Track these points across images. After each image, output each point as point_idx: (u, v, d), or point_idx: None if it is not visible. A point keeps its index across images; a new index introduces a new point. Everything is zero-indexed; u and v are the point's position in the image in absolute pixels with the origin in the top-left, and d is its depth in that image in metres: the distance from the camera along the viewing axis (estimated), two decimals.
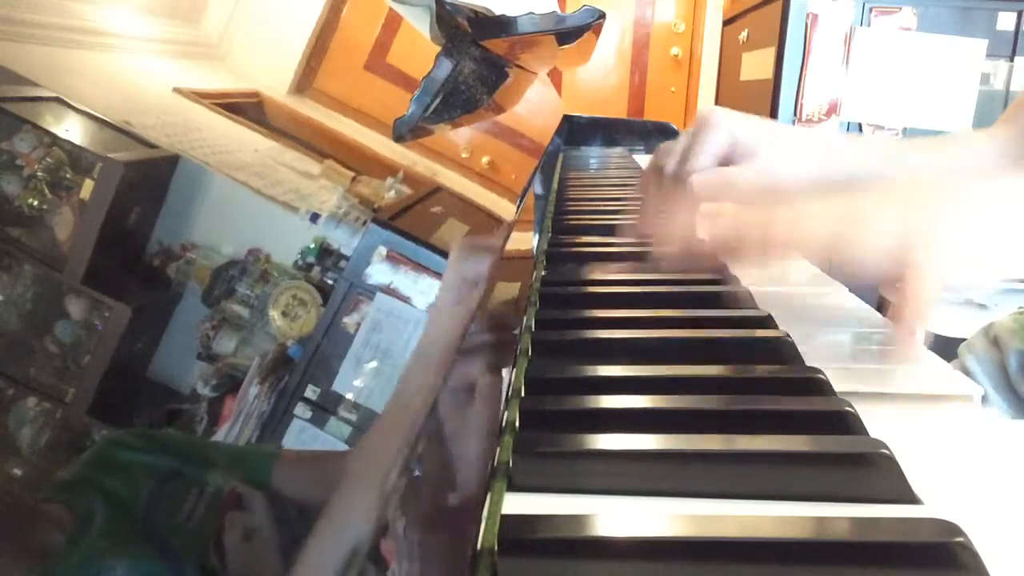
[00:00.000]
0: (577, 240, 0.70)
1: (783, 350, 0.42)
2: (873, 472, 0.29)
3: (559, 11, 0.85)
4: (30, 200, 0.23)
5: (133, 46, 0.32)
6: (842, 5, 2.02)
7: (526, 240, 0.61)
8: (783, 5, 2.06)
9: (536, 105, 1.07)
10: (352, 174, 0.34)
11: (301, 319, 0.25)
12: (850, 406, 0.33)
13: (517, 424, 0.33)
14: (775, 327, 0.45)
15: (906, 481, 0.29)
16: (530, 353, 0.42)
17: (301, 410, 0.23)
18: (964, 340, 0.93)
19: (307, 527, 0.19)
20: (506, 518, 0.27)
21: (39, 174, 0.23)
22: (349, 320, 0.26)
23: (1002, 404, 0.82)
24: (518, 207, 0.54)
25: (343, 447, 0.23)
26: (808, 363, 0.40)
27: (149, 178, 0.25)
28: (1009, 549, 0.26)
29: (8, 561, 0.16)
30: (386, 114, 0.46)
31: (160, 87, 0.30)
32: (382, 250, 0.28)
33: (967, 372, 0.84)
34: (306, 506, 0.20)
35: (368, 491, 0.21)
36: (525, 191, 0.62)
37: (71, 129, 0.25)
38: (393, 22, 0.58)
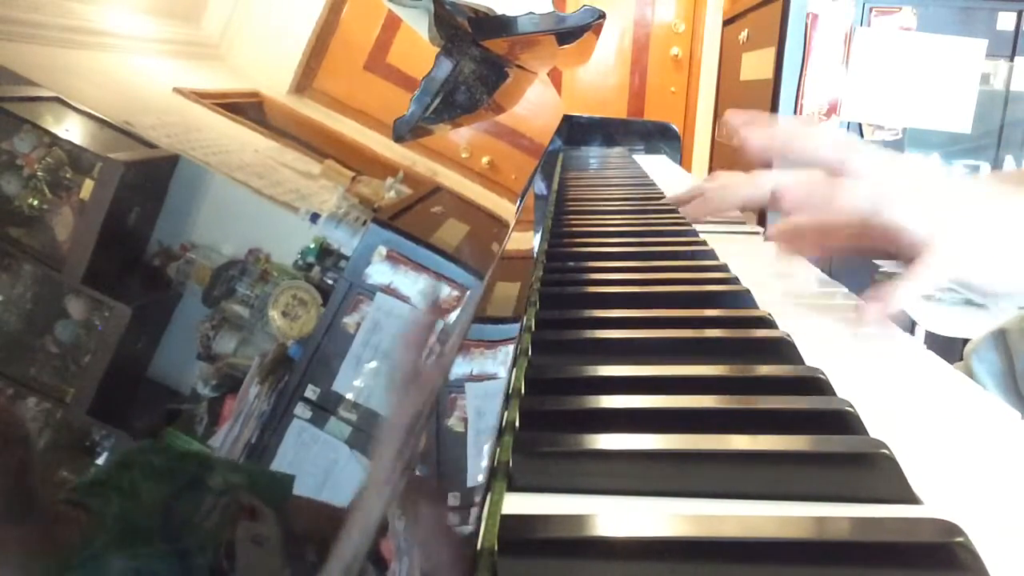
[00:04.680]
0: (577, 240, 0.70)
1: (783, 350, 0.42)
2: (873, 472, 0.29)
3: (559, 11, 0.85)
4: (30, 200, 0.23)
5: (133, 46, 0.32)
6: (842, 5, 2.02)
7: (526, 240, 0.61)
8: (783, 5, 2.06)
9: (536, 105, 1.07)
10: (352, 174, 0.34)
11: (301, 319, 0.25)
12: (850, 406, 0.33)
13: (517, 424, 0.33)
14: (775, 327, 0.45)
15: (906, 481, 0.29)
16: (530, 353, 0.42)
17: (301, 410, 0.23)
18: (963, 340, 0.93)
19: (316, 540, 0.19)
20: (506, 518, 0.27)
21: (39, 174, 0.23)
22: (349, 320, 0.26)
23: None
24: (518, 207, 0.54)
25: (343, 447, 0.23)
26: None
27: (149, 178, 0.25)
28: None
29: (20, 557, 0.16)
30: (386, 114, 0.46)
31: (160, 87, 0.30)
32: (382, 250, 0.28)
33: (972, 375, 0.83)
34: (315, 533, 0.20)
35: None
36: (525, 191, 0.62)
37: (71, 129, 0.25)
38: (393, 22, 0.58)
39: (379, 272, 0.28)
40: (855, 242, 0.54)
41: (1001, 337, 0.85)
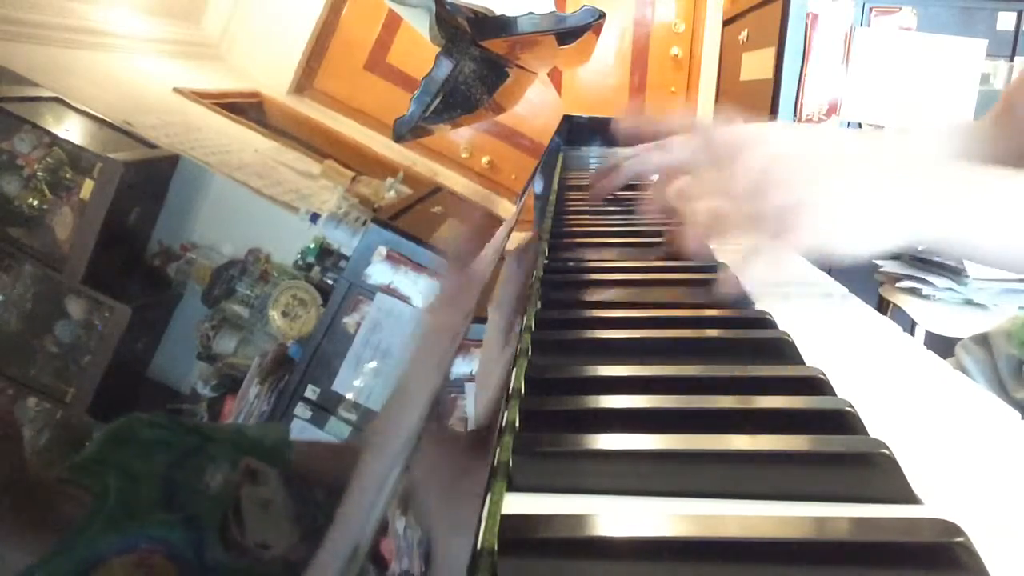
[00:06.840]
0: (577, 240, 0.70)
1: (783, 350, 0.42)
2: (873, 472, 0.29)
3: (558, 11, 0.85)
4: (30, 200, 0.23)
5: (133, 46, 0.32)
6: (842, 5, 2.02)
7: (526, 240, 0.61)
8: (783, 5, 2.06)
9: (536, 105, 1.07)
10: (352, 174, 0.34)
11: (301, 319, 0.25)
12: (850, 406, 0.33)
13: (517, 424, 0.33)
14: (775, 327, 0.45)
15: (906, 481, 0.29)
16: (530, 353, 0.42)
17: (301, 410, 0.23)
18: (962, 340, 0.93)
19: (323, 498, 0.19)
20: (506, 518, 0.27)
21: (39, 174, 0.23)
22: (349, 320, 0.26)
23: None
24: (518, 207, 0.54)
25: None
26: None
27: (149, 178, 0.25)
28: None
29: (23, 538, 0.16)
30: (386, 114, 0.46)
31: (160, 87, 0.30)
32: (382, 250, 0.28)
33: (964, 370, 0.84)
34: (319, 484, 0.20)
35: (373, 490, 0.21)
36: (525, 191, 0.62)
37: (71, 129, 0.25)
38: (393, 22, 0.58)
39: (379, 272, 0.28)
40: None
41: (986, 336, 0.86)
